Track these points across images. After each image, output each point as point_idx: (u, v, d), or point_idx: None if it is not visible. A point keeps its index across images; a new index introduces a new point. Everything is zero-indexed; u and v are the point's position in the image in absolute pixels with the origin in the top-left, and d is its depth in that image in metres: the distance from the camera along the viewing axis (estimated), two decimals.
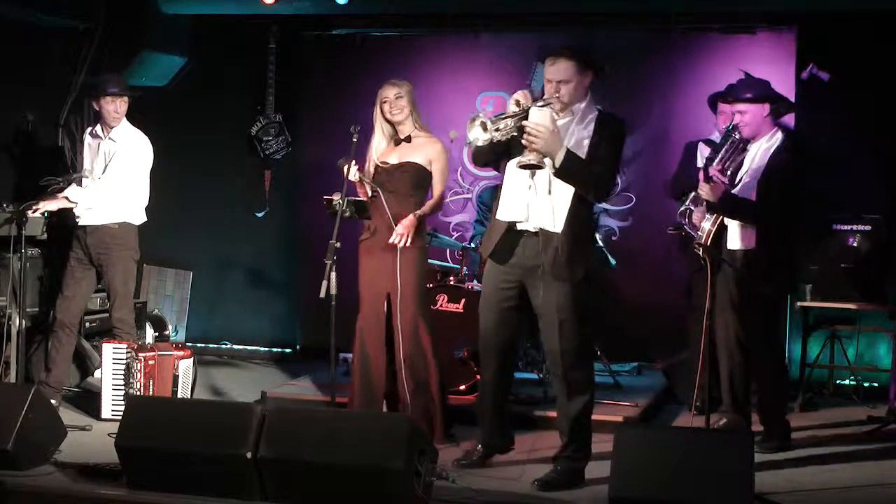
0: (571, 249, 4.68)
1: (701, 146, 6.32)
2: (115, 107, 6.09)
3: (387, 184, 5.53)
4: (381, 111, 5.58)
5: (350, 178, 5.48)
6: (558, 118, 4.68)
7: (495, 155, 4.82)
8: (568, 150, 4.58)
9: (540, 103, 4.63)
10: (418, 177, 5.56)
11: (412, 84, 5.65)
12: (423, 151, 5.56)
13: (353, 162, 5.47)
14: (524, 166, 4.60)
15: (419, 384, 5.52)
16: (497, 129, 4.56)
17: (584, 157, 4.66)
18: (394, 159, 5.57)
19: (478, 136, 4.55)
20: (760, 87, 5.52)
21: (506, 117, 4.61)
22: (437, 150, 5.59)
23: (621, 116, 4.90)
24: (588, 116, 4.76)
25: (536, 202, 4.73)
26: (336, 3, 7.32)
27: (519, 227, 4.81)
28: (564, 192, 4.68)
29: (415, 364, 5.50)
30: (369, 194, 5.55)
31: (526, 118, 4.55)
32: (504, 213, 4.84)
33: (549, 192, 4.69)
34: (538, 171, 4.66)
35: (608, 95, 7.55)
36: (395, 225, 5.46)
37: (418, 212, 5.50)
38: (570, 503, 4.58)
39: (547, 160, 4.56)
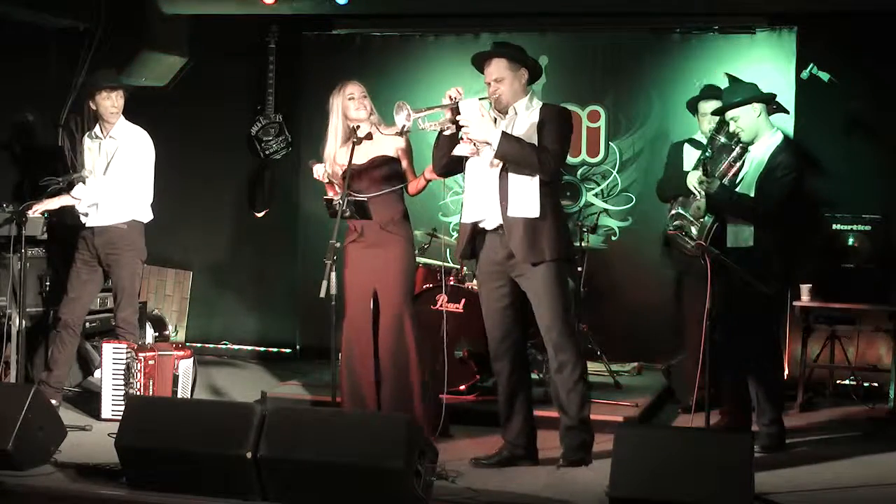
0: (536, 231, 4.84)
1: (686, 146, 6.33)
2: (111, 101, 6.07)
3: (362, 182, 5.51)
4: (344, 108, 5.54)
5: (317, 176, 5.52)
6: (501, 117, 4.96)
7: (452, 163, 5.03)
8: (503, 133, 4.79)
9: (470, 98, 4.87)
10: (391, 168, 5.55)
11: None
12: (391, 143, 5.55)
13: (319, 162, 5.56)
14: (454, 156, 4.95)
15: (396, 377, 5.48)
16: (423, 118, 4.87)
17: (534, 140, 4.84)
18: (362, 158, 5.54)
19: (403, 123, 4.81)
20: (747, 89, 5.51)
21: (432, 107, 4.93)
22: (404, 139, 5.56)
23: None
24: (530, 109, 4.96)
25: (494, 197, 4.89)
26: (336, 3, 7.32)
27: (481, 225, 5.00)
28: (519, 180, 4.84)
29: (396, 358, 5.48)
30: (339, 194, 5.51)
31: (458, 112, 4.82)
32: (467, 215, 5.04)
33: (504, 184, 4.86)
34: (490, 167, 4.88)
35: (608, 95, 7.67)
36: (382, 223, 5.48)
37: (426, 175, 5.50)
38: (569, 503, 4.58)
39: (487, 148, 4.81)
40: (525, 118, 4.95)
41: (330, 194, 5.59)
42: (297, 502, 4.36)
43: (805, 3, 7.07)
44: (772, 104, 5.58)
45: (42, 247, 6.63)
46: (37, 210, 6.05)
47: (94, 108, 6.16)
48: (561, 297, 4.91)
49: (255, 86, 8.20)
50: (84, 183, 6.07)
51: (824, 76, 6.79)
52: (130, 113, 6.26)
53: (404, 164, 5.60)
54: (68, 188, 6.13)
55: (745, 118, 5.40)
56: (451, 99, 4.88)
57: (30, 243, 6.16)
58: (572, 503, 4.58)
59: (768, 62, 7.15)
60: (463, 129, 4.82)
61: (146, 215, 6.19)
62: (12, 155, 7.44)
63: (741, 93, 5.45)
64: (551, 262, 4.87)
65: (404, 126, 4.84)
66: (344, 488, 4.29)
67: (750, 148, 5.46)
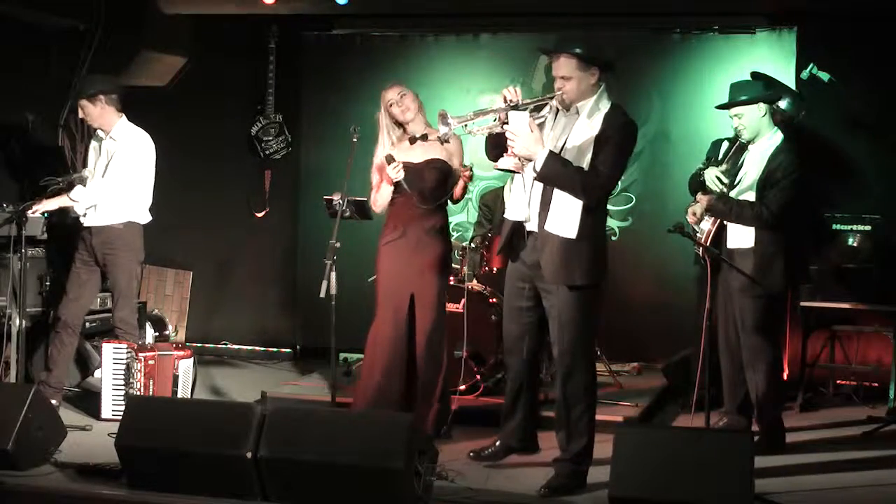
0: (569, 252, 4.61)
1: (725, 144, 6.30)
2: (93, 109, 6.10)
3: (417, 182, 5.51)
4: (390, 114, 5.57)
5: (393, 175, 5.43)
6: (564, 113, 4.70)
7: (502, 150, 4.78)
8: (550, 153, 4.53)
9: (521, 106, 4.61)
10: (445, 172, 5.57)
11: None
12: (444, 147, 5.51)
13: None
14: (499, 169, 4.75)
15: (429, 383, 5.52)
16: (465, 124, 4.63)
17: (589, 154, 4.59)
18: (417, 157, 5.54)
19: (445, 131, 4.61)
20: (753, 87, 5.51)
21: (483, 111, 4.69)
22: (456, 144, 5.57)
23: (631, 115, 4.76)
24: (595, 114, 4.66)
25: (536, 203, 4.71)
26: (336, 3, 7.33)
27: (525, 224, 4.80)
28: (564, 197, 4.61)
29: (429, 364, 5.50)
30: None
31: (506, 121, 4.58)
32: (510, 212, 4.86)
33: (548, 196, 4.65)
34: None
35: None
36: (424, 224, 5.47)
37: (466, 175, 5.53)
38: (569, 503, 4.58)
39: (530, 164, 4.58)
40: (586, 126, 4.64)
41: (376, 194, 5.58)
42: (297, 502, 4.36)
43: (805, 3, 7.07)
44: (782, 112, 5.56)
45: (42, 247, 6.62)
46: (36, 210, 6.06)
47: None
48: (581, 326, 4.67)
49: (255, 86, 8.20)
50: (84, 184, 6.06)
51: (824, 76, 6.79)
52: (131, 113, 6.26)
53: (457, 166, 5.61)
54: (68, 188, 6.13)
55: (749, 116, 5.40)
56: (507, 101, 4.61)
57: (30, 243, 6.16)
58: (572, 503, 4.58)
59: (768, 62, 7.15)
60: (509, 142, 4.57)
61: (144, 217, 6.18)
62: (12, 155, 7.43)
63: (747, 91, 5.46)
64: (580, 287, 4.64)
65: (446, 134, 4.65)
66: (344, 488, 4.29)
67: (750, 147, 5.47)
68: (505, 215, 4.93)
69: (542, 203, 4.67)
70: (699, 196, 5.52)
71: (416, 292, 5.52)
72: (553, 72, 4.71)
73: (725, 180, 5.44)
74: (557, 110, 4.76)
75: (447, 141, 4.85)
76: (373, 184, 5.63)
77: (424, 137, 5.44)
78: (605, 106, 4.68)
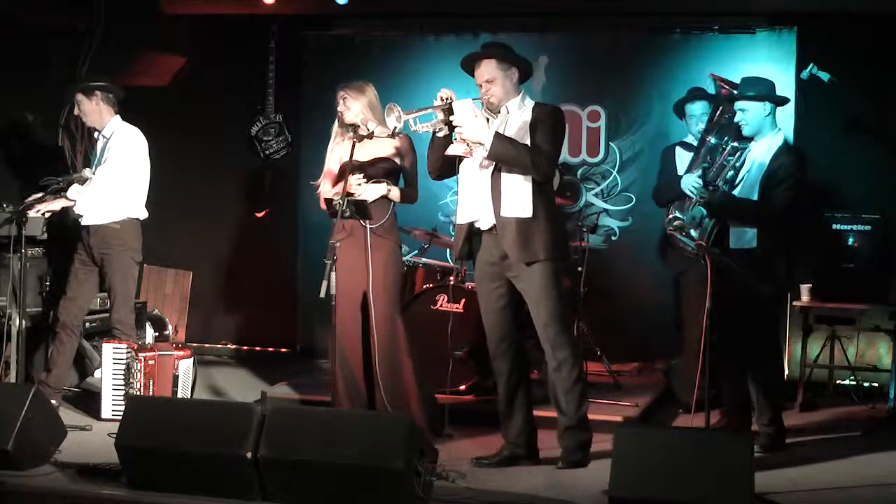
0: (529, 231, 4.85)
1: (678, 149, 6.31)
2: (78, 106, 6.17)
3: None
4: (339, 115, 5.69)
5: (354, 188, 5.48)
6: (494, 117, 4.97)
7: (446, 165, 5.04)
8: (497, 133, 4.80)
9: (463, 98, 4.88)
10: (389, 172, 5.59)
11: (369, 84, 5.69)
12: (391, 146, 5.57)
13: None
14: (449, 155, 4.96)
15: (393, 383, 5.51)
16: (415, 118, 4.89)
17: (527, 139, 4.85)
18: (362, 157, 5.58)
19: (394, 125, 4.87)
20: (763, 85, 5.52)
21: (424, 108, 4.93)
22: (405, 144, 5.60)
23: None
24: (523, 108, 4.98)
25: (487, 197, 4.90)
26: (336, 2, 7.33)
27: (477, 225, 5.00)
28: (512, 181, 4.85)
29: (390, 363, 5.50)
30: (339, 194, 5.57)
31: (450, 113, 4.84)
32: (461, 215, 5.04)
33: (497, 184, 4.87)
34: (482, 167, 4.90)
35: (608, 95, 7.68)
36: (373, 226, 5.49)
37: (391, 187, 5.56)
38: (569, 503, 4.58)
39: (480, 148, 4.82)
40: (517, 117, 4.95)
41: (331, 195, 5.60)
42: (297, 502, 4.36)
43: (805, 3, 7.08)
44: (782, 105, 5.58)
45: (42, 247, 6.62)
46: (39, 210, 6.05)
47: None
48: (556, 296, 4.91)
49: (255, 86, 8.20)
50: (82, 184, 6.06)
51: (824, 76, 6.79)
52: (131, 113, 6.27)
53: (407, 166, 5.61)
54: (68, 188, 6.12)
55: (753, 112, 5.40)
56: (443, 99, 4.89)
57: (30, 243, 6.15)
58: (572, 503, 4.58)
59: (768, 62, 7.15)
60: (457, 130, 4.83)
61: (140, 212, 6.16)
62: (12, 155, 7.43)
63: (758, 88, 5.45)
64: (545, 261, 4.87)
65: (395, 128, 4.88)
66: (344, 488, 4.29)
67: (751, 146, 5.46)
68: (457, 220, 5.10)
69: (493, 193, 4.90)
70: (687, 180, 5.51)
71: (367, 290, 5.52)
72: (476, 80, 5.01)
73: (699, 183, 5.45)
74: (487, 119, 4.96)
75: (399, 133, 5.07)
76: (322, 174, 5.70)
77: (371, 136, 5.51)
78: (530, 102, 5.02)
